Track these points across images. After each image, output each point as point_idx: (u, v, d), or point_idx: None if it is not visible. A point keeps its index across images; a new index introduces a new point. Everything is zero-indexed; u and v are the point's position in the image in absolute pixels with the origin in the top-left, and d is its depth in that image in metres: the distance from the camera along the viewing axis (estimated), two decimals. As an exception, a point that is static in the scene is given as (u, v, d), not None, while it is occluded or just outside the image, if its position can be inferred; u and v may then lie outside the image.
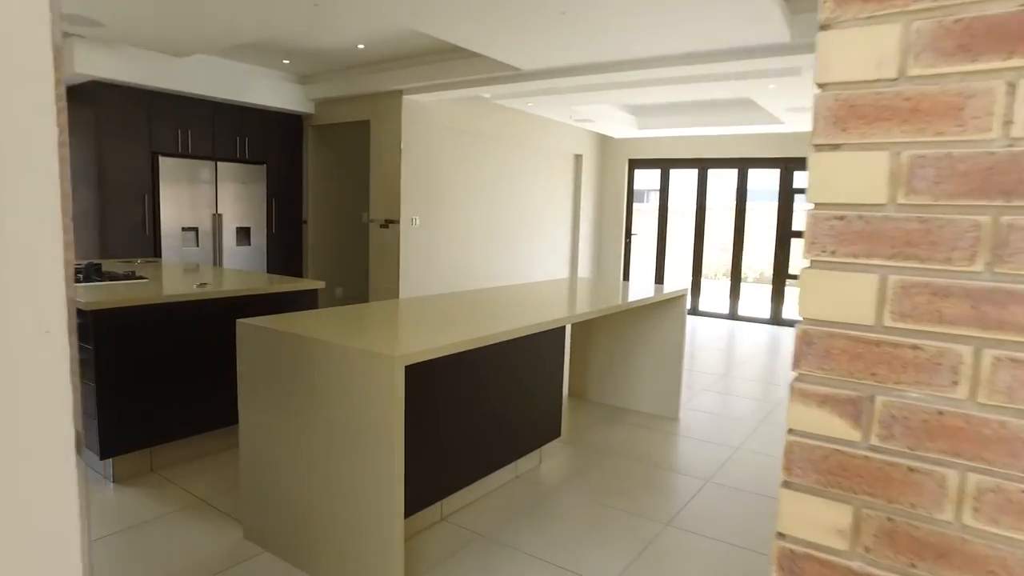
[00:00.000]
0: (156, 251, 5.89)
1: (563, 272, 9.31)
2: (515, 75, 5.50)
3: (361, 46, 5.55)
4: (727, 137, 8.56)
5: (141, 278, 3.66)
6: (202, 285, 3.46)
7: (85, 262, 4.05)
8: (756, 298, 9.10)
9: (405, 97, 6.20)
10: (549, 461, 3.50)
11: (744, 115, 7.39)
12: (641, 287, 4.27)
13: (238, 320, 2.47)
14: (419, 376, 2.37)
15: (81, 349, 3.03)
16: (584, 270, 9.69)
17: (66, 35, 5.11)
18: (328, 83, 6.58)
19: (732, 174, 8.78)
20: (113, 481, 3.07)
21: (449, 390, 2.57)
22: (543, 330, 2.66)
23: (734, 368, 5.89)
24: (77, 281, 3.42)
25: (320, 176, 7.25)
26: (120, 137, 5.56)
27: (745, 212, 8.67)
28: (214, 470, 3.23)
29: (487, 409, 2.82)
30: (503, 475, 3.17)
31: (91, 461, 3.23)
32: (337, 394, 2.13)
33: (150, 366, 3.10)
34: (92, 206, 5.61)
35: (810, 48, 4.16)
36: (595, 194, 9.74)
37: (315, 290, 3.82)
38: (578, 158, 9.30)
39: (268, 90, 6.44)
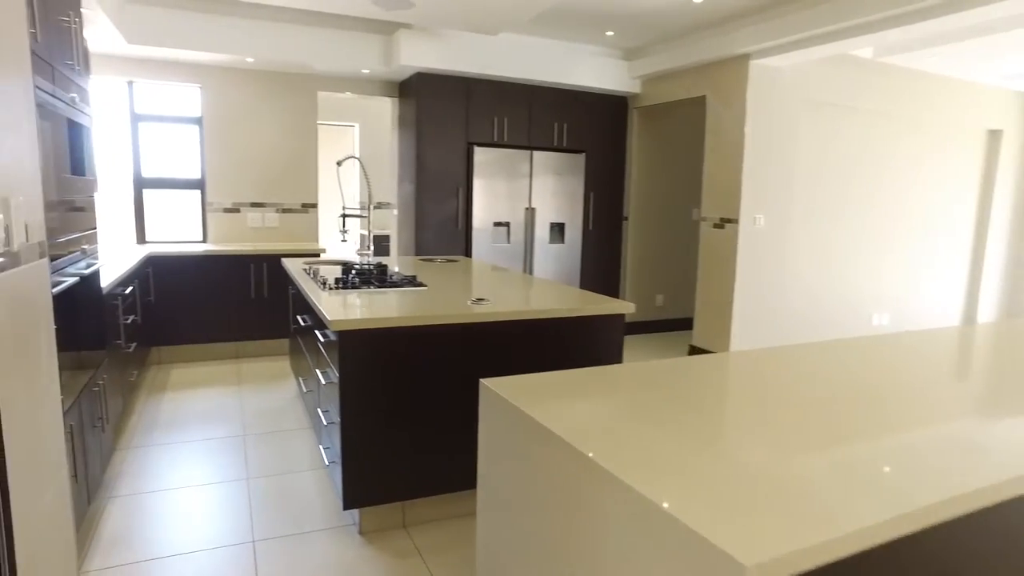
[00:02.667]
0: (467, 247, 5.61)
1: (955, 296, 6.86)
2: (922, 9, 3.77)
3: (698, 0, 4.40)
4: None
5: (421, 285, 3.12)
6: (478, 301, 2.75)
7: (375, 262, 3.73)
8: None
9: (752, 63, 4.86)
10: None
11: None
12: None
13: (482, 380, 1.60)
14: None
15: (329, 374, 2.53)
16: (989, 296, 7.04)
17: (395, 27, 5.00)
18: (657, 55, 5.57)
19: None
20: (360, 533, 2.53)
21: None
22: (1050, 466, 1.24)
23: None
24: (353, 287, 2.99)
25: (644, 166, 6.30)
26: (438, 128, 5.35)
27: None
28: (468, 543, 2.49)
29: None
30: None
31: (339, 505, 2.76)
32: (620, 557, 1.09)
33: (407, 401, 2.47)
34: (411, 201, 5.54)
35: None
36: (1017, 187, 6.98)
37: (622, 314, 2.84)
38: (994, 135, 6.72)
39: (589, 69, 5.70)
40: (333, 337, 2.42)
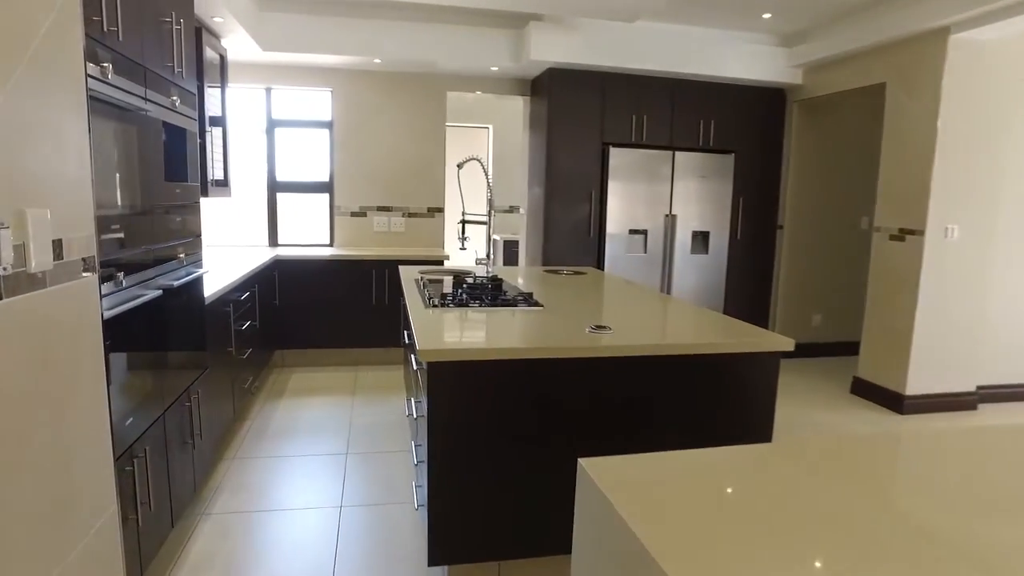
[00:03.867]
0: (599, 256, 5.17)
1: None
2: None
3: (885, -34, 3.65)
4: None
5: (536, 304, 2.74)
6: (599, 329, 2.31)
7: (490, 275, 3.40)
8: None
9: (953, 37, 3.99)
10: None
11: None
12: None
13: (581, 460, 1.19)
14: None
15: (421, 406, 2.21)
16: None
17: (524, 20, 4.67)
18: (824, 39, 4.80)
19: None
20: (450, 591, 2.20)
21: None
22: None
23: None
24: (460, 304, 2.68)
25: (804, 167, 5.51)
26: (571, 127, 4.95)
27: None
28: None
29: None
30: None
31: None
32: None
33: (507, 446, 2.10)
34: (539, 205, 5.19)
35: None
36: None
37: (778, 352, 2.28)
38: None
39: (741, 58, 5.04)
40: (424, 365, 2.10)
